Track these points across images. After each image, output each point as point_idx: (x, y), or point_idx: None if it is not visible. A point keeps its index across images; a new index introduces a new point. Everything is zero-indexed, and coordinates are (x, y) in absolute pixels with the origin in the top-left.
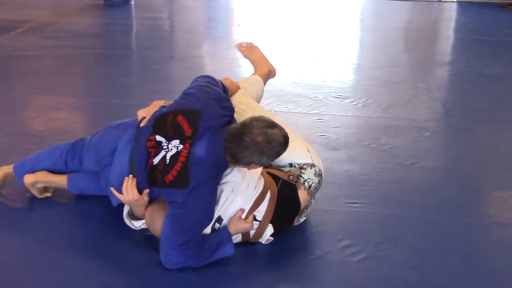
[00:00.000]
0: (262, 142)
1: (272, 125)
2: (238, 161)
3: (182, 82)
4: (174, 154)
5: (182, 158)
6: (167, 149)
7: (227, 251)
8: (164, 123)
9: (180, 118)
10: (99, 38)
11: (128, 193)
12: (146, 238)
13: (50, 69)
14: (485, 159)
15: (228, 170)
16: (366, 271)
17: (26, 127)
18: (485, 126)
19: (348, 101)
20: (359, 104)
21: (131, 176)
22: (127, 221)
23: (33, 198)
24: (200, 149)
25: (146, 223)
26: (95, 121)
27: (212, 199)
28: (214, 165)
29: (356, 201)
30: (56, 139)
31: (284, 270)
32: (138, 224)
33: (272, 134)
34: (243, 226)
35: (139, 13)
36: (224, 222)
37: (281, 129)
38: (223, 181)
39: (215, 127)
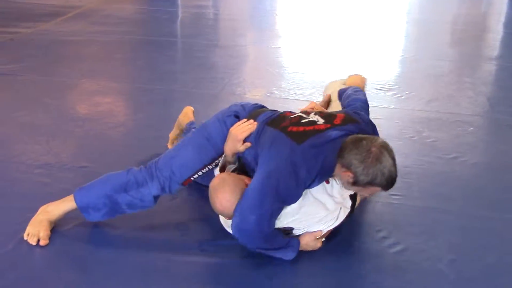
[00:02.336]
0: (373, 154)
1: (391, 154)
2: (338, 157)
3: (226, 70)
4: (312, 120)
5: (316, 127)
6: (307, 116)
7: (289, 255)
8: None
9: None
10: (144, 24)
11: (244, 127)
12: None
13: (97, 54)
14: None
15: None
16: (403, 262)
17: (72, 110)
18: None
19: (391, 93)
20: (402, 97)
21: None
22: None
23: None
24: (335, 134)
25: (211, 186)
26: (139, 106)
27: (300, 183)
28: (325, 155)
29: (396, 193)
30: (100, 123)
31: (322, 260)
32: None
33: (386, 156)
34: (315, 245)
35: (184, 1)
36: (295, 234)
37: (395, 168)
38: (319, 196)
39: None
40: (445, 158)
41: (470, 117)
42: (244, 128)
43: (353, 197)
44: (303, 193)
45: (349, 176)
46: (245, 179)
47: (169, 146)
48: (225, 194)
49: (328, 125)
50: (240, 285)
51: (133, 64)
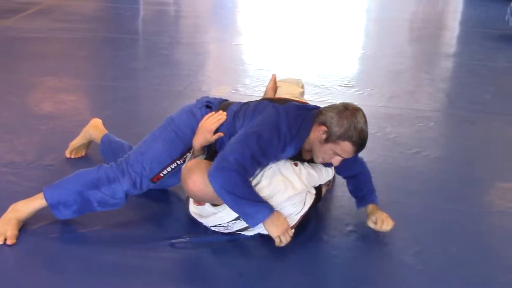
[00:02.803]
0: (349, 110)
1: (365, 117)
2: (316, 118)
3: (190, 67)
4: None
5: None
6: None
7: (259, 217)
8: None
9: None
10: (107, 21)
11: (214, 118)
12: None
13: (60, 52)
14: (488, 150)
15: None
16: (371, 255)
17: (36, 108)
18: (489, 118)
19: (353, 90)
20: (365, 93)
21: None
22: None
23: None
24: (313, 107)
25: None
26: (104, 104)
27: (281, 138)
28: (304, 119)
29: None
30: (65, 120)
31: (292, 253)
32: None
33: (360, 115)
34: (285, 237)
35: None
36: None
37: (367, 129)
38: (288, 174)
39: None
40: (407, 153)
41: (430, 112)
42: (214, 119)
43: (318, 188)
44: (272, 171)
45: (322, 130)
46: None
47: (67, 155)
48: (198, 176)
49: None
50: (212, 281)
51: (97, 61)
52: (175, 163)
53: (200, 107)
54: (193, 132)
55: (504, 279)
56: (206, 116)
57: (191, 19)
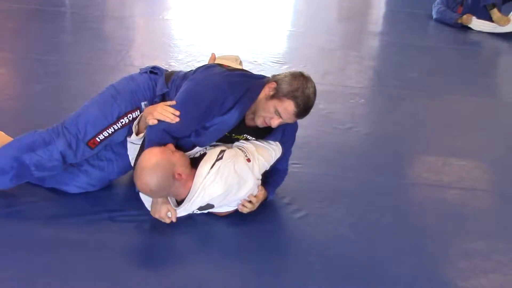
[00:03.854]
0: (304, 76)
1: (315, 89)
2: (272, 78)
3: (122, 42)
4: None
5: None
6: None
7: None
8: None
9: None
10: None
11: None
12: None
13: None
14: (416, 125)
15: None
16: (307, 227)
17: None
18: (417, 94)
19: (286, 66)
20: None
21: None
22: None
23: None
24: (262, 76)
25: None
26: (34, 78)
27: (225, 95)
28: (251, 85)
29: (296, 162)
30: None
31: (231, 226)
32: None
33: (311, 84)
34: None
35: None
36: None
37: (314, 99)
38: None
39: None
40: (340, 128)
41: (361, 89)
42: (166, 113)
43: None
44: (229, 170)
45: (272, 87)
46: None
47: None
48: (151, 179)
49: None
50: (153, 256)
51: (26, 34)
52: (112, 128)
53: (143, 72)
54: (131, 96)
55: (432, 248)
56: (166, 103)
57: None
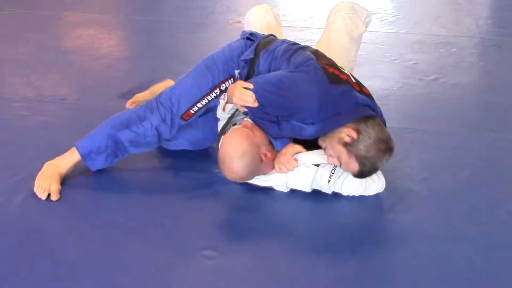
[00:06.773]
0: (384, 148)
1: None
2: (360, 122)
3: None
4: (346, 72)
5: (350, 80)
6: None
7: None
8: None
9: None
10: None
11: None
12: None
13: None
14: (510, 75)
15: None
16: None
17: (54, 44)
18: None
19: (376, 16)
20: (388, 20)
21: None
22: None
23: None
24: (361, 100)
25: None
26: (122, 37)
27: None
28: (342, 110)
29: None
30: (82, 55)
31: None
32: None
33: (384, 162)
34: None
35: None
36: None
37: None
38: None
39: None
40: (425, 80)
41: (454, 38)
42: (245, 97)
43: None
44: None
45: (352, 134)
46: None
47: (128, 105)
48: (242, 168)
49: (358, 88)
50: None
51: None
52: (206, 99)
53: (240, 39)
54: (224, 65)
55: (511, 205)
56: (243, 84)
57: None
